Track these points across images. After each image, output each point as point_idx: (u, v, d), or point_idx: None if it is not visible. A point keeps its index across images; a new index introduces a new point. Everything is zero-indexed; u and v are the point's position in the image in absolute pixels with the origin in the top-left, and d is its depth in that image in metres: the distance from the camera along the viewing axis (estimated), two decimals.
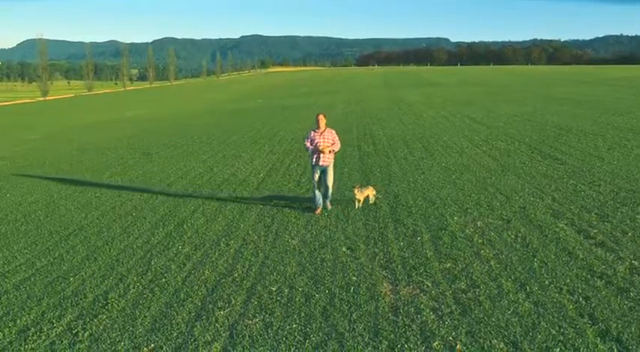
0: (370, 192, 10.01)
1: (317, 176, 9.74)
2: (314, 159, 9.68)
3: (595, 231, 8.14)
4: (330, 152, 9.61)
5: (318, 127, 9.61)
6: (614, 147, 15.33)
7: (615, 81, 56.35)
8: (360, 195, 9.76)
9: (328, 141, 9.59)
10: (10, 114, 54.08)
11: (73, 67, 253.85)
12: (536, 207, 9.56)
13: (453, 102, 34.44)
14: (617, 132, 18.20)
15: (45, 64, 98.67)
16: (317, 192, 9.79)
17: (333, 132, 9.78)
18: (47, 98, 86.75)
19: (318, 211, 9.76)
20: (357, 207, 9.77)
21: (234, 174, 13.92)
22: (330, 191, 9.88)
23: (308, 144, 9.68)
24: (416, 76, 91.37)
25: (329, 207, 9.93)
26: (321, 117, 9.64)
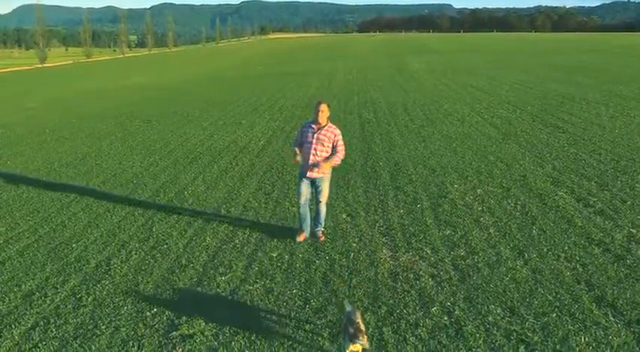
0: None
1: (303, 189, 6.81)
2: (302, 167, 6.83)
3: (594, 199, 8.18)
4: (332, 163, 6.70)
5: (316, 121, 6.63)
6: (617, 116, 15.24)
7: (621, 49, 55.53)
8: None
9: (326, 145, 6.61)
10: (8, 81, 53.59)
11: (71, 34, 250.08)
12: (537, 175, 9.58)
13: (455, 69, 34.03)
14: (621, 100, 18.06)
15: (42, 30, 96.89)
16: (302, 210, 6.93)
17: (337, 131, 6.68)
18: (45, 65, 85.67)
19: (301, 237, 7.01)
20: None
21: (235, 141, 13.89)
22: (323, 215, 7.00)
23: (297, 151, 6.77)
24: (418, 43, 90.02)
25: (321, 237, 7.02)
26: (322, 106, 6.60)
